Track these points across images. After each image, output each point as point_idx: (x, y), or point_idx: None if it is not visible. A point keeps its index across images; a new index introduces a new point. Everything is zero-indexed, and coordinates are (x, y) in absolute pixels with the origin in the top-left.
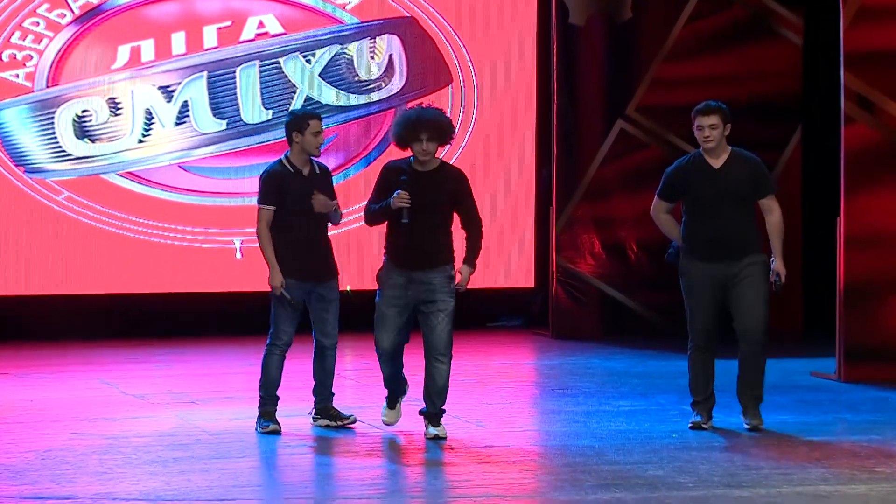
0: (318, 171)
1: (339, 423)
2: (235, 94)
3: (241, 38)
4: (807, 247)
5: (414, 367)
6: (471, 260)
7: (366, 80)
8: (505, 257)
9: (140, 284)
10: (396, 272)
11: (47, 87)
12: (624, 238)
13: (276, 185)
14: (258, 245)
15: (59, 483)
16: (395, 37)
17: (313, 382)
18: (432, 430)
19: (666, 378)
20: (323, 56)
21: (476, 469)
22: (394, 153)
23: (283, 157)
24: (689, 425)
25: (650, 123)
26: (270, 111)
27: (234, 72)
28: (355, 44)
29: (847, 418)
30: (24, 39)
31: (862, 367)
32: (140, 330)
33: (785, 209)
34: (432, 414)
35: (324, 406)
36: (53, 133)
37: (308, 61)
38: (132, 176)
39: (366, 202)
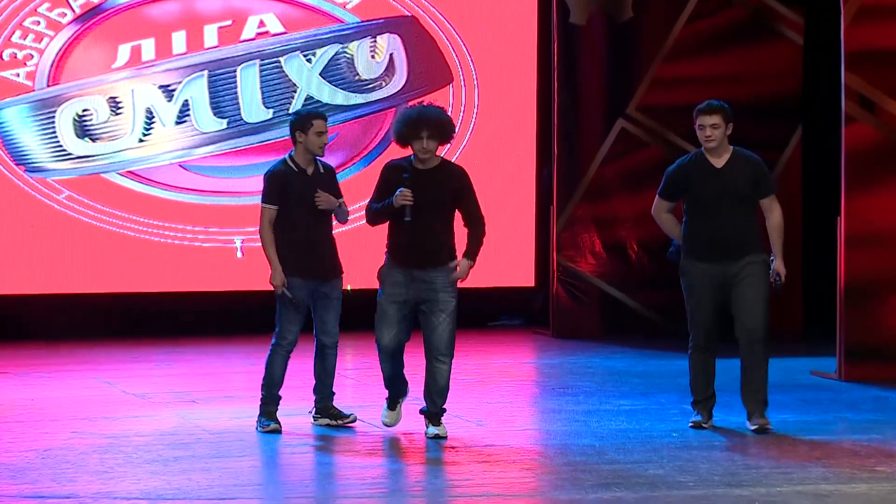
0: (322, 171)
1: (340, 422)
2: (236, 93)
3: (242, 38)
4: (807, 246)
5: (414, 366)
6: (471, 253)
7: (366, 80)
8: (505, 256)
9: (141, 283)
10: (397, 270)
11: (48, 86)
12: (624, 237)
13: (279, 185)
14: (260, 244)
15: (60, 482)
16: (396, 36)
17: (314, 381)
18: (433, 430)
19: (666, 377)
20: (323, 55)
21: (476, 468)
22: (394, 152)
23: (287, 156)
24: (690, 424)
25: (651, 123)
26: (271, 110)
27: (235, 71)
28: (356, 43)
29: (847, 417)
30: (24, 38)
31: (862, 366)
32: (141, 329)
33: (785, 209)
34: (433, 413)
35: (324, 405)
36: (54, 132)
37: (309, 60)
38: (133, 175)
39: (367, 201)
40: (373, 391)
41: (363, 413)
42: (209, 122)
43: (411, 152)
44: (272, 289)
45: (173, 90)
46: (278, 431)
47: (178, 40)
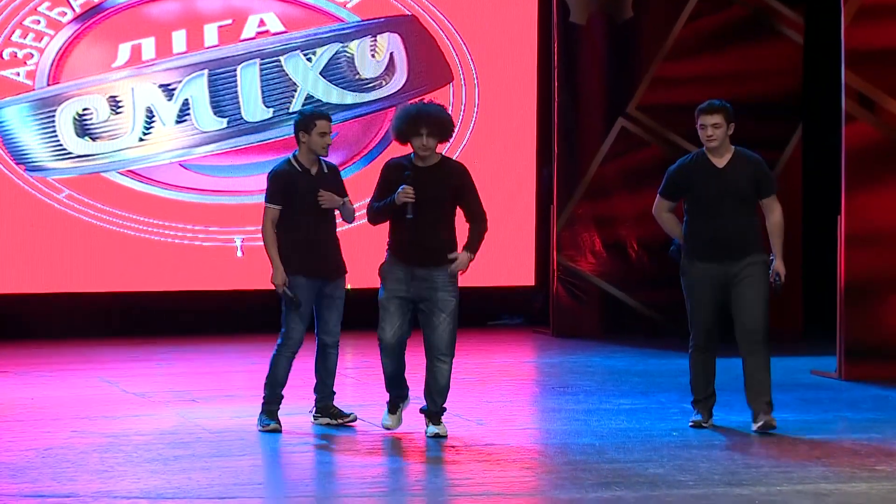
0: (326, 171)
1: (340, 421)
2: (236, 92)
3: (242, 37)
4: (807, 245)
5: (414, 365)
6: (471, 246)
7: (366, 79)
8: (506, 255)
9: (141, 282)
10: (399, 267)
11: (48, 85)
12: (624, 236)
13: (282, 185)
14: (261, 243)
15: (60, 481)
16: (396, 35)
17: (314, 380)
18: (433, 429)
19: (666, 376)
20: (324, 54)
21: (477, 467)
22: (395, 151)
23: (290, 155)
24: (690, 424)
25: (651, 122)
26: (271, 109)
27: (235, 70)
28: (356, 42)
29: (847, 416)
30: (24, 38)
31: (862, 365)
32: (141, 328)
33: (785, 208)
34: (433, 412)
35: (325, 404)
36: (54, 131)
37: (309, 59)
38: (133, 174)
39: (367, 200)
40: (373, 390)
41: (363, 412)
42: (209, 122)
43: (411, 150)
44: (273, 288)
45: (173, 89)
46: (278, 431)
47: (179, 39)
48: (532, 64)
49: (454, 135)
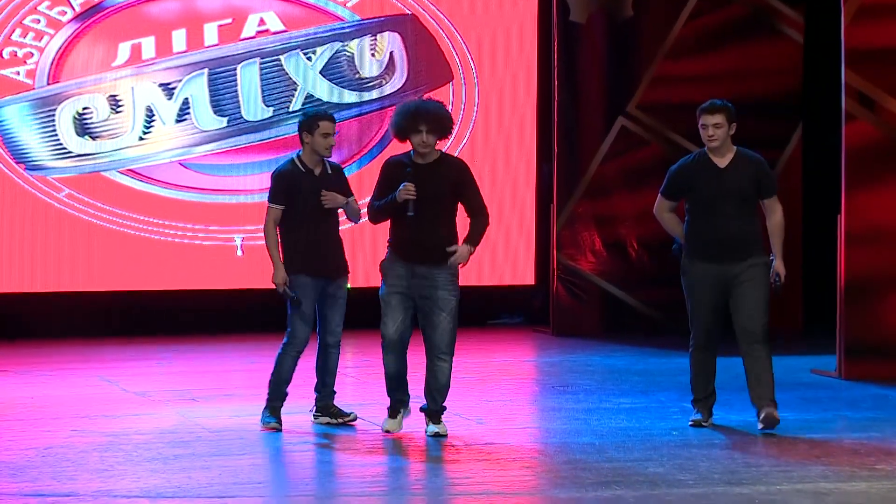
0: (329, 171)
1: (340, 420)
2: (236, 91)
3: (242, 36)
4: (807, 244)
5: (414, 364)
6: (471, 239)
7: (366, 78)
8: (506, 254)
9: (141, 282)
10: (400, 263)
11: (48, 84)
12: (624, 235)
13: (285, 185)
14: (261, 242)
15: (60, 480)
16: (396, 34)
17: (315, 379)
18: (433, 428)
19: (666, 375)
20: (324, 53)
21: (477, 466)
22: (394, 150)
23: (294, 155)
24: (690, 423)
25: (651, 121)
26: (271, 108)
27: (235, 69)
28: (356, 41)
29: (847, 415)
30: (24, 37)
31: (862, 364)
32: (141, 327)
33: (785, 206)
34: (433, 411)
35: (325, 403)
36: (54, 130)
37: (309, 59)
38: (133, 173)
39: (367, 199)
40: (373, 389)
41: (363, 411)
42: (209, 121)
43: (410, 148)
44: (273, 287)
45: (173, 88)
46: (278, 430)
47: (179, 38)
48: (532, 63)
49: (454, 132)
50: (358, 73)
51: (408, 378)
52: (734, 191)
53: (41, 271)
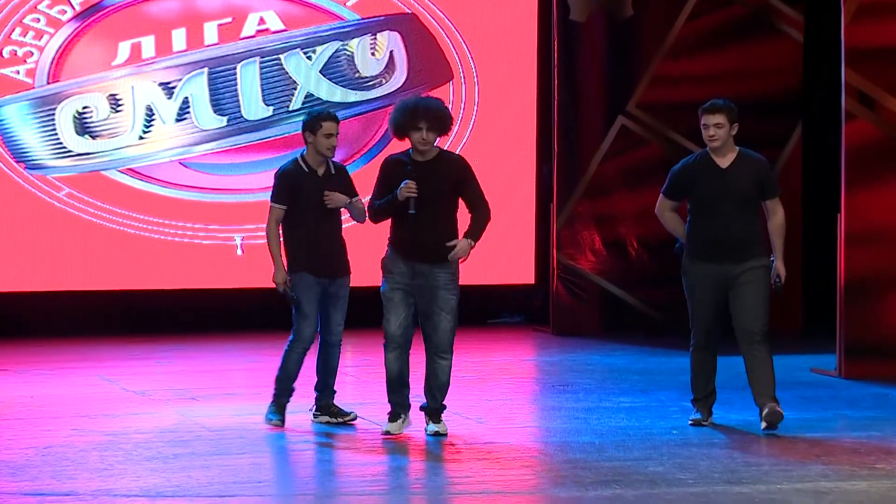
0: (333, 171)
1: (340, 419)
2: (236, 90)
3: (242, 35)
4: (807, 243)
5: (414, 363)
6: (471, 233)
7: (366, 77)
8: (506, 254)
9: (141, 281)
10: (401, 261)
11: (48, 83)
12: (624, 235)
13: (288, 185)
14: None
15: (60, 479)
16: (396, 33)
17: (315, 379)
18: (433, 427)
19: (666, 374)
20: (324, 52)
21: (476, 465)
22: (394, 149)
23: (298, 155)
24: (690, 422)
25: (651, 120)
26: (271, 108)
27: (235, 68)
28: (356, 40)
29: (847, 415)
30: (24, 36)
31: (862, 363)
32: (141, 326)
33: (785, 206)
34: (433, 410)
35: (325, 403)
36: (54, 129)
37: (309, 58)
38: (133, 172)
39: (367, 198)
40: (373, 389)
41: (363, 410)
42: (209, 120)
43: (409, 146)
44: (273, 286)
45: (173, 87)
46: (280, 426)
47: (179, 37)
48: (532, 62)
49: (453, 131)
50: (358, 72)
51: (409, 382)
52: (736, 191)
53: (41, 270)
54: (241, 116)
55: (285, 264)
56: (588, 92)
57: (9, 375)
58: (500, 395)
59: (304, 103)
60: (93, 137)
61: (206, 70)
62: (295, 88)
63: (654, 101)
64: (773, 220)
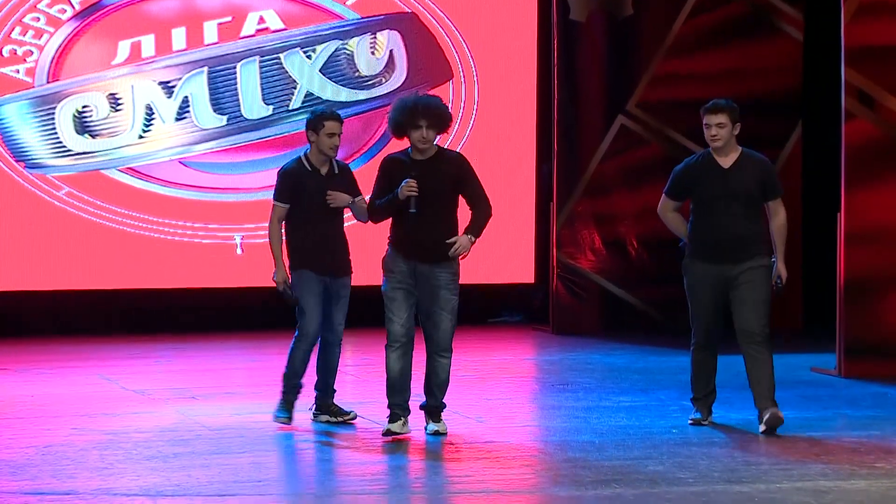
0: (336, 171)
1: (340, 419)
2: (236, 89)
3: (242, 34)
4: (807, 243)
5: (413, 362)
6: (472, 229)
7: (366, 76)
8: (505, 253)
9: (140, 280)
10: (402, 259)
11: (48, 82)
12: (624, 234)
13: (290, 184)
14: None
15: (60, 478)
16: (396, 32)
17: (315, 377)
18: (433, 426)
19: (666, 374)
20: (323, 51)
21: (476, 465)
22: (394, 148)
23: (302, 154)
24: (690, 421)
25: (651, 119)
26: (271, 107)
27: (235, 67)
28: (356, 39)
29: (847, 414)
30: (24, 35)
31: (862, 362)
32: (140, 325)
33: (785, 205)
34: (433, 408)
35: (325, 402)
36: (54, 129)
37: (308, 57)
38: (132, 171)
39: (368, 197)
40: (373, 388)
41: (363, 410)
42: (209, 119)
43: (408, 145)
44: (273, 285)
45: (173, 87)
46: (288, 424)
47: (178, 37)
48: (532, 61)
49: (452, 129)
50: (357, 71)
51: (410, 385)
52: (738, 191)
53: (41, 269)
54: (241, 115)
55: (287, 263)
56: (588, 91)
57: (9, 375)
58: (500, 395)
59: (303, 102)
60: (92, 136)
61: (205, 69)
62: (295, 87)
63: (653, 100)
64: (776, 221)
